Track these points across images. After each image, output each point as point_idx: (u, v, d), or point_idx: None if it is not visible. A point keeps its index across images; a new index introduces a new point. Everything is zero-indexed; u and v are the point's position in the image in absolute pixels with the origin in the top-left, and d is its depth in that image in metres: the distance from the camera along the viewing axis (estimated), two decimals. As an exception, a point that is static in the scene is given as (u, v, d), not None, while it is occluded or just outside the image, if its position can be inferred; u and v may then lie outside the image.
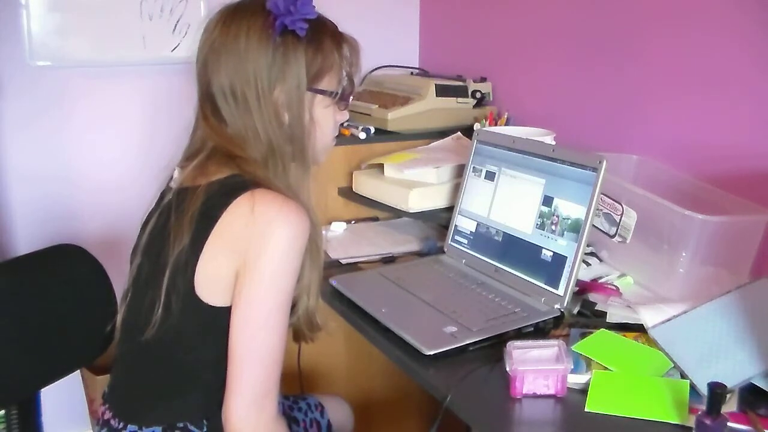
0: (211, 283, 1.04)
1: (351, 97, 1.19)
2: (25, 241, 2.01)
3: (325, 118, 1.15)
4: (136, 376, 1.15)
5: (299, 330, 1.20)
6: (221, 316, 1.04)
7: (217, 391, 1.06)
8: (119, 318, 1.16)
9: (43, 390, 1.42)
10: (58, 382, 1.40)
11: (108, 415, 1.15)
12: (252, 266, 1.01)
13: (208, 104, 1.12)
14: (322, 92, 1.13)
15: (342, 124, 1.23)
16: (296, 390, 1.52)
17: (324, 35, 1.12)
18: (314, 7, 1.10)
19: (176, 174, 1.15)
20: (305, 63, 1.09)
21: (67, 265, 1.43)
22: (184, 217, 1.04)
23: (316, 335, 1.23)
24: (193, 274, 1.04)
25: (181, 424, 1.10)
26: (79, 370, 1.48)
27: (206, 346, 1.08)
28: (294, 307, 1.12)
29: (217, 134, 1.11)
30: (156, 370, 1.12)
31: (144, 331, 1.07)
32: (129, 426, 1.11)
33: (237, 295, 1.03)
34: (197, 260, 1.03)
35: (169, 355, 1.10)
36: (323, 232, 1.79)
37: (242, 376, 1.02)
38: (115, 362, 1.19)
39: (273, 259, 1.01)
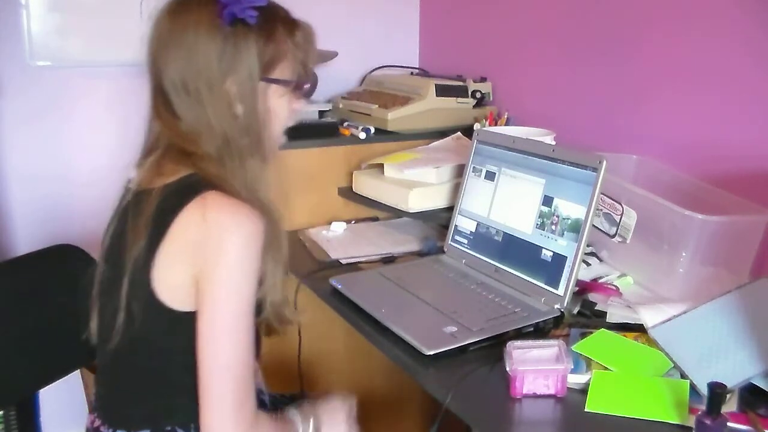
0: (171, 288, 1.03)
1: (307, 86, 1.16)
2: (25, 241, 2.01)
3: (280, 108, 1.13)
4: (115, 384, 1.15)
5: (269, 325, 1.17)
6: (188, 320, 1.02)
7: None
8: (93, 326, 1.14)
9: (42, 390, 1.41)
10: (57, 382, 1.40)
11: (98, 422, 1.14)
12: (210, 276, 0.99)
13: (160, 99, 1.09)
14: (276, 81, 1.10)
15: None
16: (296, 389, 1.52)
17: (276, 22, 1.08)
18: None
19: (132, 173, 1.13)
20: (257, 52, 1.06)
21: (66, 266, 1.43)
22: (139, 221, 1.02)
23: (287, 328, 1.20)
24: (150, 279, 1.02)
25: (169, 428, 1.09)
26: (78, 371, 1.47)
27: (178, 350, 1.05)
28: (260, 306, 1.09)
29: (171, 130, 1.08)
30: (132, 377, 1.11)
31: (110, 339, 1.06)
32: (118, 431, 1.10)
33: (199, 306, 1.01)
34: (153, 265, 1.01)
35: (143, 361, 1.09)
36: (318, 229, 1.80)
37: (213, 391, 1.00)
38: (96, 371, 1.19)
39: (229, 267, 0.99)
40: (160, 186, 1.04)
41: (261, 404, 1.22)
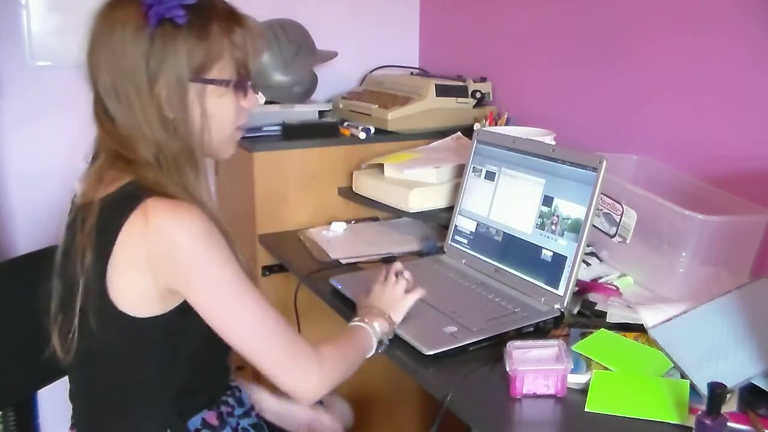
0: (134, 298, 1.02)
1: (249, 84, 1.11)
2: (25, 241, 2.01)
3: (220, 109, 1.08)
4: (87, 401, 1.15)
5: None
6: (154, 326, 1.03)
7: (175, 398, 1.07)
8: (56, 344, 1.12)
9: (42, 391, 1.41)
10: (57, 383, 1.39)
11: None
12: (185, 282, 1.00)
13: (99, 104, 1.06)
14: (211, 82, 1.05)
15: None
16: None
17: (210, 20, 1.03)
18: None
19: (77, 187, 1.10)
20: (186, 53, 1.01)
21: None
22: (83, 237, 1.01)
23: None
24: (107, 293, 1.01)
25: None
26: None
27: (144, 357, 1.06)
28: None
29: (110, 136, 1.06)
30: (101, 391, 1.11)
31: (65, 356, 1.06)
32: None
33: (199, 309, 1.01)
34: (106, 279, 1.00)
35: (110, 374, 1.08)
36: (318, 229, 1.80)
37: (266, 362, 1.03)
38: (69, 389, 1.18)
39: (196, 265, 0.99)
40: (99, 198, 1.03)
41: (239, 402, 1.22)
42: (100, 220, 1.00)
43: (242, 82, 1.09)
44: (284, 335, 1.05)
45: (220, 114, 1.08)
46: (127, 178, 1.03)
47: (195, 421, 1.12)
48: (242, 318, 1.02)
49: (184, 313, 1.03)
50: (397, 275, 1.29)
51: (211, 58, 1.04)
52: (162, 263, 0.99)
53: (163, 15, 0.99)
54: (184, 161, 1.05)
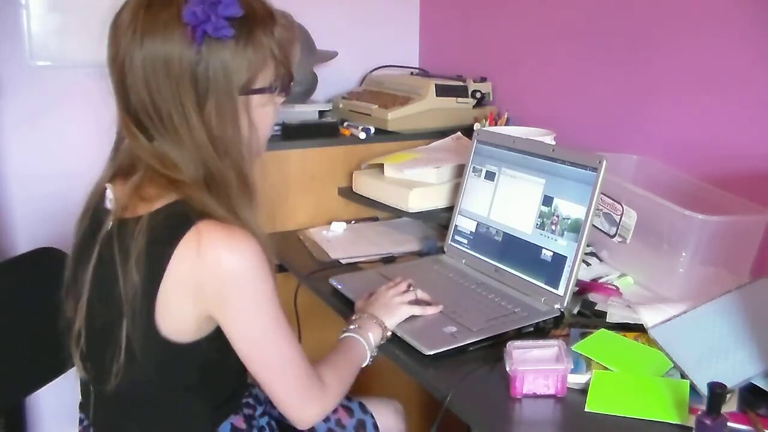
0: (177, 323, 0.99)
1: (292, 84, 1.08)
2: (25, 241, 2.01)
3: (265, 116, 1.05)
4: (115, 419, 1.11)
5: None
6: (192, 351, 1.01)
7: (209, 414, 1.08)
8: (79, 363, 1.08)
9: (41, 393, 1.39)
10: (47, 390, 1.37)
11: None
12: (229, 312, 0.98)
13: (131, 119, 1.00)
14: (260, 91, 1.02)
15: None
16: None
17: (254, 27, 0.98)
18: (237, 2, 0.95)
19: (109, 193, 1.05)
20: (235, 67, 0.97)
21: (48, 270, 1.38)
22: (130, 258, 0.95)
23: None
24: (153, 318, 0.97)
25: None
26: (64, 377, 1.44)
27: (182, 382, 1.05)
28: None
29: (148, 153, 1.00)
30: (132, 413, 1.08)
31: (107, 381, 1.01)
32: None
33: (230, 336, 1.00)
34: (154, 304, 0.96)
35: (146, 398, 1.06)
36: (318, 229, 1.80)
37: (278, 394, 1.04)
38: (90, 412, 1.13)
39: (246, 294, 0.97)
40: (145, 216, 0.97)
41: (256, 400, 1.23)
42: (149, 244, 0.95)
43: (285, 84, 1.06)
44: (303, 373, 1.05)
45: (265, 120, 1.06)
46: (171, 195, 0.99)
47: (224, 427, 1.13)
48: (272, 353, 1.02)
49: (219, 337, 1.01)
50: (410, 287, 1.31)
51: (257, 67, 1.00)
52: (210, 291, 0.96)
53: (212, 35, 0.94)
54: (235, 188, 1.01)
